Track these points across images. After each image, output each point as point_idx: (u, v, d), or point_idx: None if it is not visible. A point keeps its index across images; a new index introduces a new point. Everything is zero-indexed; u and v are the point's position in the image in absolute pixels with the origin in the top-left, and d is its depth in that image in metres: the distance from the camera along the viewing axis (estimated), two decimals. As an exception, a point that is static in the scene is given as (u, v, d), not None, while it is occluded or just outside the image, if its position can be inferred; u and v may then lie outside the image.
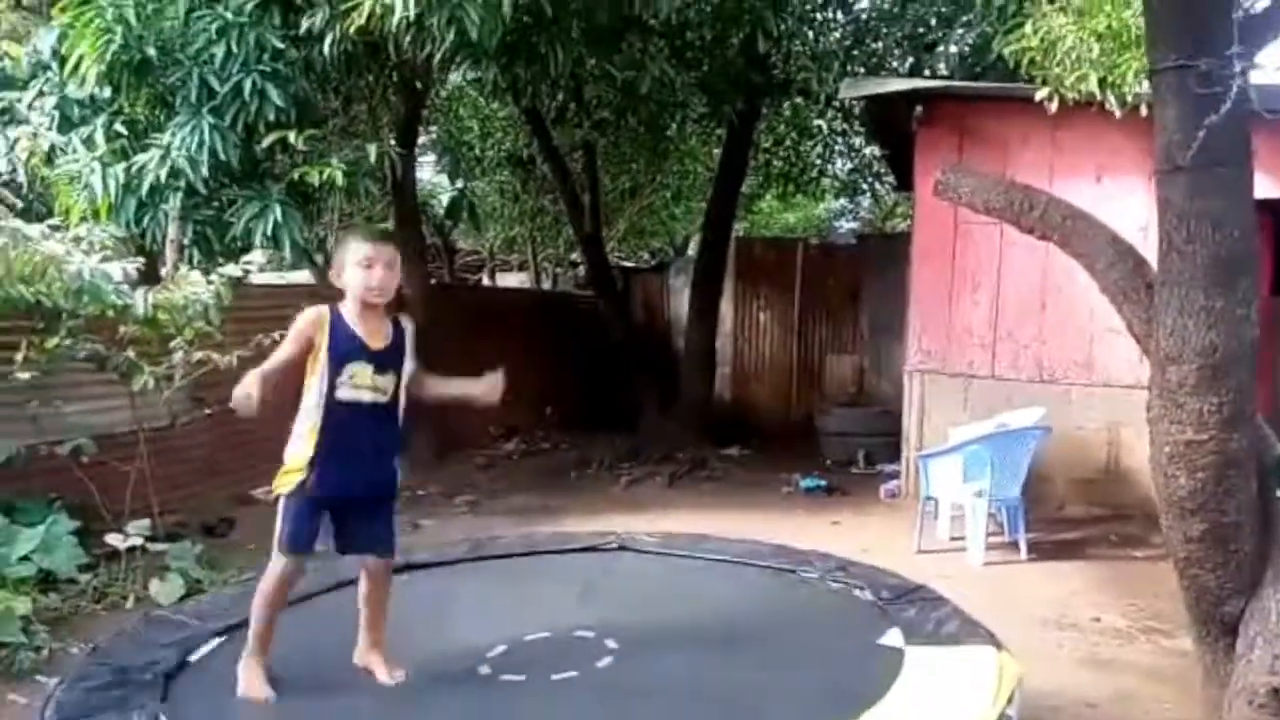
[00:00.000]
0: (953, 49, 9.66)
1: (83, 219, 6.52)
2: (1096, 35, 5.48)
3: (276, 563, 2.92)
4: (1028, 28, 5.67)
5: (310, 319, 2.95)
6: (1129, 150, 6.62)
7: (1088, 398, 7.49)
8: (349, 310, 2.98)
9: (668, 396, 10.78)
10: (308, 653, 3.03)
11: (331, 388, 2.88)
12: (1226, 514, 2.97)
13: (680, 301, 12.51)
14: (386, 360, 2.99)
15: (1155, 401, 3.04)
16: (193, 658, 2.89)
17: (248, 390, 2.73)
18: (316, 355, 2.90)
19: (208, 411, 6.98)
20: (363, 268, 2.94)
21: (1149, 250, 3.16)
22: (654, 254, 16.27)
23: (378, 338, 2.98)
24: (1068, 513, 7.41)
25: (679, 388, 10.87)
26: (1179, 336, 2.94)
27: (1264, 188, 6.47)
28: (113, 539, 5.48)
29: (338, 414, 2.89)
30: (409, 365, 3.10)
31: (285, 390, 2.93)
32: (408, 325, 3.11)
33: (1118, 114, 5.50)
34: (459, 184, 12.42)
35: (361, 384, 2.91)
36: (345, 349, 2.91)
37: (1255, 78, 3.13)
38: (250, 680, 2.87)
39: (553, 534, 4.44)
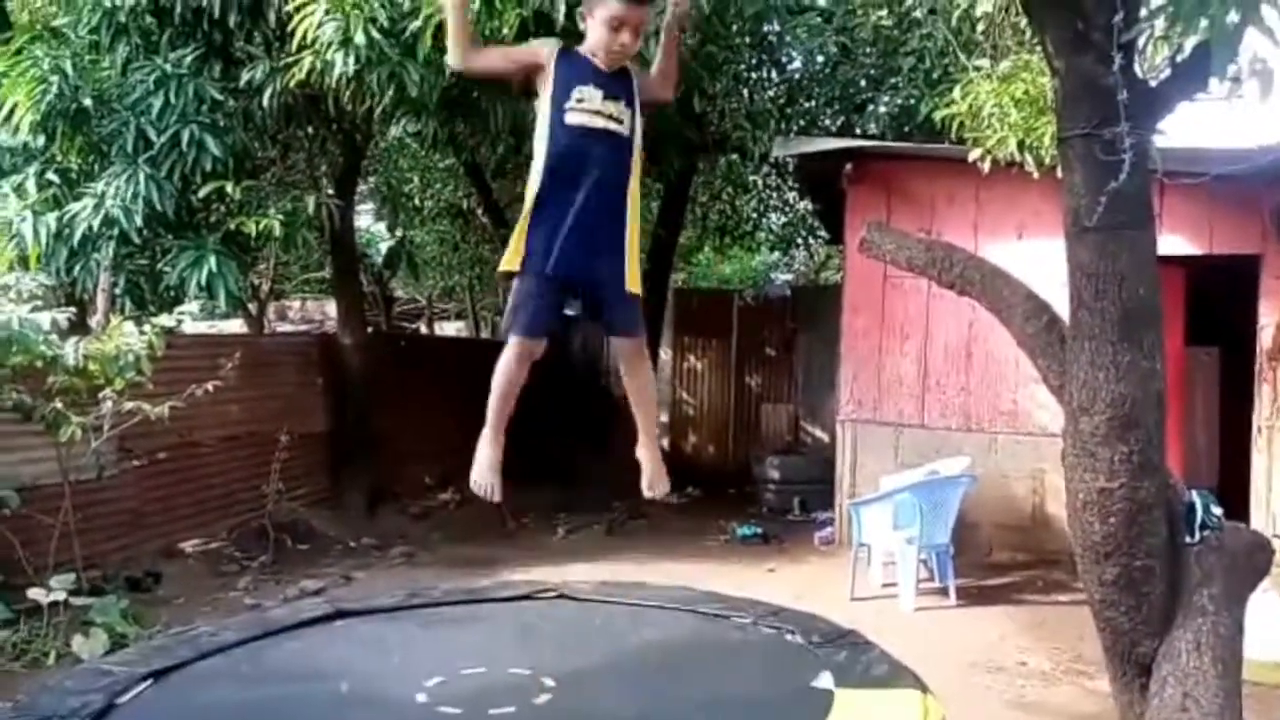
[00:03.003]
0: (882, 109, 9.98)
1: (11, 268, 6.43)
2: (1015, 101, 5.77)
3: (508, 346, 2.83)
4: (956, 93, 5.93)
5: (548, 44, 2.80)
6: (1048, 210, 6.91)
7: (1013, 446, 7.71)
8: (583, 51, 2.77)
9: (605, 445, 10.82)
10: (262, 679, 3.01)
11: (559, 111, 2.68)
12: (1138, 558, 3.09)
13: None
14: (618, 89, 2.74)
15: (1070, 450, 3.17)
16: (120, 700, 2.82)
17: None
18: (544, 80, 2.72)
19: (136, 463, 6.87)
20: (609, 28, 2.68)
21: (1068, 306, 3.31)
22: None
23: (607, 70, 2.75)
24: (995, 559, 7.59)
25: (617, 436, 10.91)
26: (1090, 388, 3.08)
27: (1174, 245, 6.85)
28: (35, 594, 5.35)
29: (566, 144, 2.68)
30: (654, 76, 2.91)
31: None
32: (638, 72, 2.86)
33: (1036, 175, 5.77)
34: (398, 233, 12.45)
35: (592, 108, 2.69)
36: (572, 73, 2.70)
37: (1159, 142, 3.32)
38: (484, 461, 2.90)
39: (490, 583, 4.45)
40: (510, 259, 2.72)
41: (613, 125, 2.71)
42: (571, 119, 2.68)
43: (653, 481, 3.17)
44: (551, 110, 2.69)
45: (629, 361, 3.02)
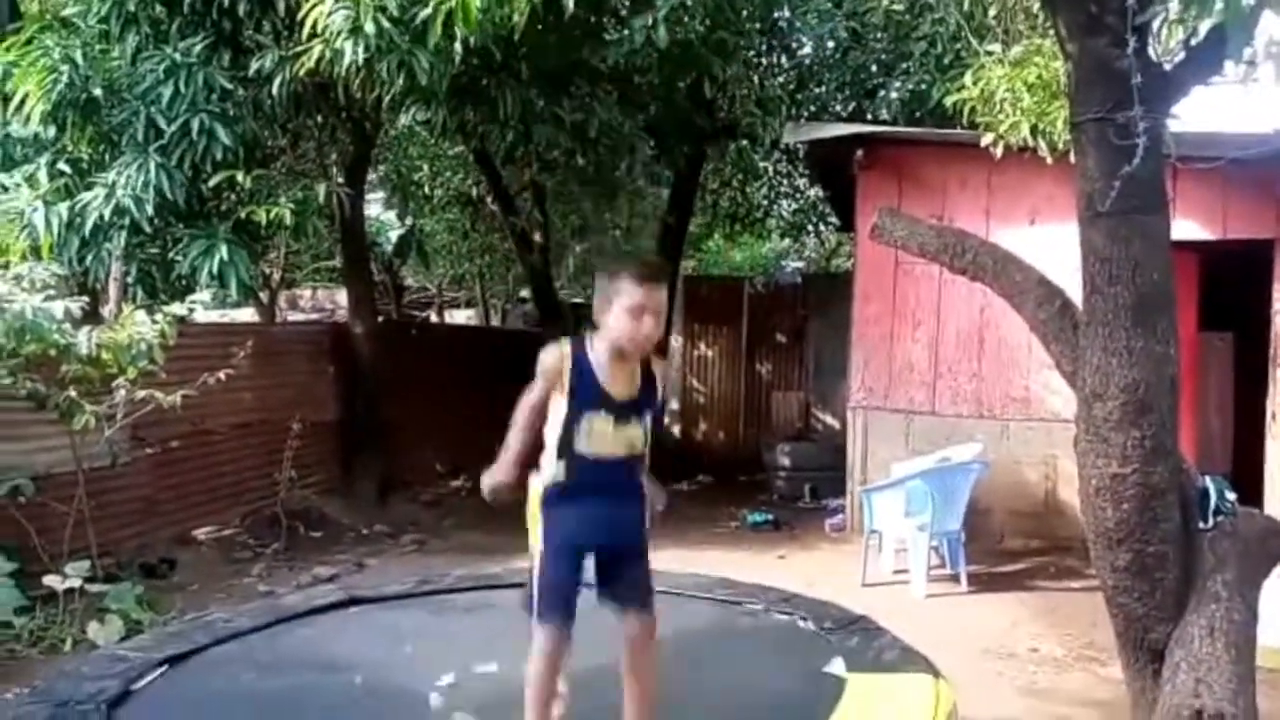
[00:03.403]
0: (893, 95, 9.93)
1: (24, 257, 6.45)
2: (1027, 85, 5.73)
3: (538, 637, 2.52)
4: (968, 78, 5.89)
5: (555, 360, 2.60)
6: (1060, 195, 6.87)
7: (1025, 432, 7.69)
8: (598, 350, 2.60)
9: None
10: (276, 666, 3.03)
11: (570, 437, 2.58)
12: (1151, 544, 3.08)
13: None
14: (630, 410, 2.61)
15: (1082, 436, 3.16)
16: (135, 686, 2.85)
17: (496, 481, 2.54)
18: (561, 394, 2.59)
19: (149, 450, 6.90)
20: (632, 316, 2.53)
21: (1081, 291, 3.29)
22: (603, 291, 16.38)
23: (623, 384, 2.61)
24: (1007, 545, 7.57)
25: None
26: (1103, 374, 3.07)
27: (1188, 230, 6.81)
28: (51, 581, 5.39)
29: (579, 468, 2.59)
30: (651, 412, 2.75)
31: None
32: (659, 370, 2.71)
33: (1049, 160, 5.74)
34: (408, 221, 12.46)
35: (601, 438, 2.58)
36: (585, 396, 2.57)
37: (1172, 126, 3.30)
38: None
39: (502, 570, 4.47)
40: (534, 538, 2.64)
41: (623, 451, 2.62)
42: (581, 447, 2.58)
43: None
44: (564, 435, 2.59)
45: (638, 645, 2.69)
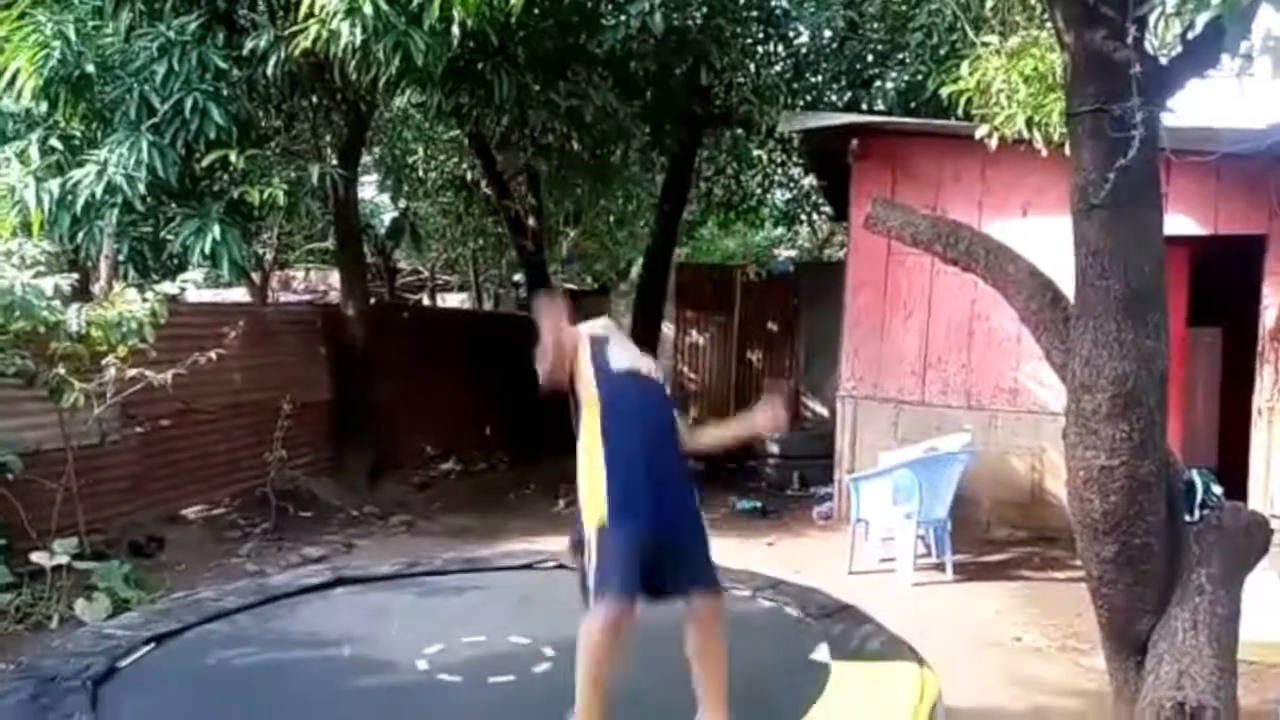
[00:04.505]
0: (889, 85, 9.92)
1: (14, 234, 6.41)
2: (1024, 77, 5.73)
3: (600, 618, 2.46)
4: (964, 69, 5.89)
5: (570, 337, 2.95)
6: (1054, 187, 6.85)
7: (1014, 423, 7.71)
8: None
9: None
10: (263, 645, 3.04)
11: (604, 361, 2.85)
12: (1137, 536, 3.10)
13: (622, 325, 12.62)
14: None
15: (1071, 428, 3.18)
16: (121, 664, 2.85)
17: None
18: (580, 349, 2.87)
19: (139, 429, 6.89)
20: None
21: (1072, 283, 3.30)
22: (597, 277, 16.37)
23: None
24: (993, 535, 7.61)
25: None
26: (1093, 366, 3.08)
27: (1180, 225, 6.83)
28: (38, 557, 5.39)
29: (616, 385, 2.79)
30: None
31: None
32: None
33: (1044, 152, 5.74)
34: (401, 204, 12.41)
35: (631, 356, 2.92)
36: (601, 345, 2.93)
37: (1167, 121, 3.31)
38: None
39: (491, 553, 4.48)
40: (595, 514, 2.64)
41: (653, 373, 2.90)
42: (616, 364, 2.80)
43: None
44: (595, 363, 2.79)
45: (708, 621, 2.73)
